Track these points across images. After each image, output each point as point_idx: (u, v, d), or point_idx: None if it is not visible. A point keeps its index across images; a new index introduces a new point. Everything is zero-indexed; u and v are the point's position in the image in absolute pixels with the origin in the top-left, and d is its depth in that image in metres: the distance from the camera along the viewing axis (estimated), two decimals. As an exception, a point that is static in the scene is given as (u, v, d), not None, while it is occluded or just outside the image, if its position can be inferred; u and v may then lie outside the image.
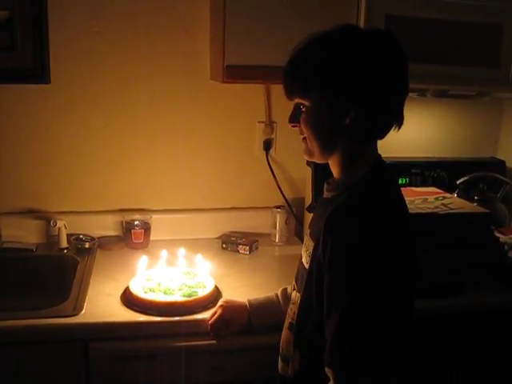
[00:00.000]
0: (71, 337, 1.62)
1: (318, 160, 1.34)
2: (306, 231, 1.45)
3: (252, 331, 1.63)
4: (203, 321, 1.65)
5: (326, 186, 1.38)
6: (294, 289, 1.44)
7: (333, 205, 1.24)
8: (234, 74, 1.90)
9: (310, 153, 1.32)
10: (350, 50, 1.21)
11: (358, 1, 1.96)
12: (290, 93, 1.29)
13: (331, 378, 1.16)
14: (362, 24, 1.95)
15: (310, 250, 1.31)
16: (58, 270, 2.10)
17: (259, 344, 1.64)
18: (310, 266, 1.30)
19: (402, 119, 1.29)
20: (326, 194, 1.37)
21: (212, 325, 1.62)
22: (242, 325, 1.64)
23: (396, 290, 1.17)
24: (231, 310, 1.66)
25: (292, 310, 1.42)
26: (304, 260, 1.37)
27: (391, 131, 1.30)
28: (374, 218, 1.18)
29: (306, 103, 1.26)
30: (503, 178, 2.53)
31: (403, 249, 1.22)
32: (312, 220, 1.47)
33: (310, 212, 2.17)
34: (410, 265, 1.24)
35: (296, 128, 1.32)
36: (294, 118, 1.31)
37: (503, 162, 2.68)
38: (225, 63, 1.88)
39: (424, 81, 2.08)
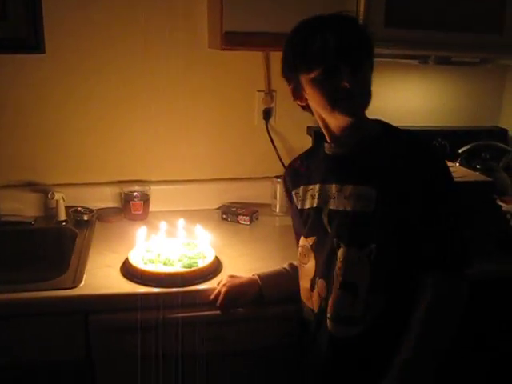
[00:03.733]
0: (71, 309, 1.61)
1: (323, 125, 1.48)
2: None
3: (261, 305, 1.62)
4: (203, 291, 1.64)
5: (329, 145, 1.50)
6: (336, 246, 1.42)
7: (370, 151, 1.42)
8: (233, 40, 1.86)
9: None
10: (347, 29, 1.37)
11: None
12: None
13: (437, 279, 1.35)
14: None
15: (356, 192, 1.40)
16: (57, 243, 2.09)
17: (260, 314, 1.64)
18: (377, 206, 1.37)
19: None
20: (332, 151, 1.49)
21: (220, 303, 1.60)
22: (252, 298, 1.63)
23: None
24: (237, 286, 1.64)
25: (338, 267, 1.40)
26: (341, 206, 1.42)
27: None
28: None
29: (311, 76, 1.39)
30: (506, 147, 2.50)
31: None
32: (329, 168, 1.50)
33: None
34: None
35: (303, 103, 1.48)
36: (297, 93, 1.48)
37: (506, 131, 2.65)
38: (223, 30, 1.84)
39: (426, 47, 2.06)
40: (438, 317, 1.35)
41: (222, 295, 1.61)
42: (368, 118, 1.45)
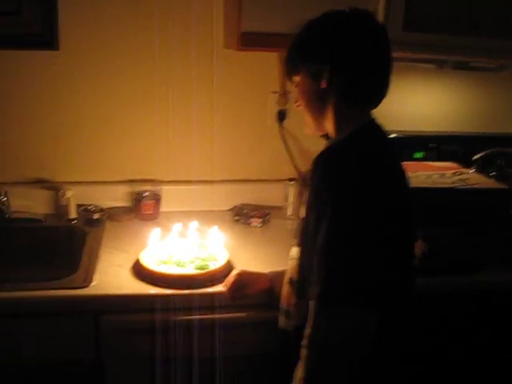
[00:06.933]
0: (82, 309, 1.60)
1: (316, 130, 1.46)
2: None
3: (271, 302, 1.60)
4: (216, 294, 1.63)
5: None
6: (294, 244, 1.48)
7: None
8: (250, 41, 1.85)
9: (308, 125, 1.46)
10: (320, 26, 1.37)
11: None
12: (288, 76, 1.47)
13: (312, 308, 1.24)
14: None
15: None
16: (67, 241, 2.07)
17: (273, 318, 1.61)
18: (306, 212, 1.36)
19: (383, 87, 1.37)
20: None
21: (229, 288, 1.62)
22: (262, 290, 1.64)
23: (369, 231, 1.23)
24: (249, 274, 1.67)
25: (290, 265, 1.48)
26: (302, 212, 1.41)
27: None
28: (345, 166, 1.27)
29: (298, 79, 1.42)
30: (521, 154, 2.47)
31: (378, 200, 1.25)
32: None
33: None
34: (392, 217, 1.27)
35: (299, 108, 1.46)
36: (296, 98, 1.46)
37: (520, 138, 2.61)
38: (241, 30, 1.82)
39: (444, 51, 2.04)
40: (316, 348, 1.24)
41: (232, 278, 1.64)
42: (348, 124, 1.35)
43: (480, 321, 1.85)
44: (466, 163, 2.31)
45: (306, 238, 1.34)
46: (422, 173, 2.01)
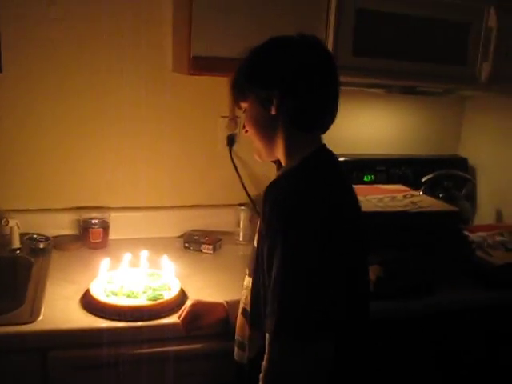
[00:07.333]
0: (28, 346, 1.50)
1: (266, 157, 1.44)
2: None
3: (227, 332, 1.55)
4: (170, 325, 1.58)
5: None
6: (247, 274, 1.46)
7: None
8: (201, 65, 1.82)
9: (258, 152, 1.45)
10: (269, 51, 1.36)
11: (328, -6, 1.92)
12: (235, 101, 1.46)
13: (267, 341, 1.20)
14: (332, 17, 1.91)
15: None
16: (11, 273, 1.97)
17: (228, 349, 1.57)
18: (258, 243, 1.34)
19: (332, 112, 1.36)
20: None
21: (183, 319, 1.57)
22: (218, 321, 1.59)
23: (321, 262, 1.20)
24: (203, 305, 1.62)
25: (244, 295, 1.44)
26: (255, 241, 1.39)
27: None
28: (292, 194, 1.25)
29: (246, 105, 1.40)
30: (467, 176, 2.53)
31: (320, 227, 1.22)
32: None
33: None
34: (344, 246, 1.26)
35: (247, 134, 1.44)
36: (244, 124, 1.44)
37: (465, 160, 2.69)
38: (191, 54, 1.79)
39: (392, 76, 2.07)
40: (272, 382, 1.21)
41: (186, 309, 1.59)
42: (298, 151, 1.34)
43: (434, 343, 1.85)
44: (414, 185, 2.35)
45: (259, 268, 1.31)
46: (373, 196, 2.02)
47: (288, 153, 1.36)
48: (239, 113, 2.27)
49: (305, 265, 1.19)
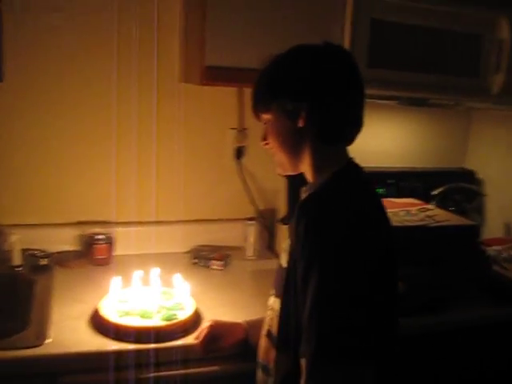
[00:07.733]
0: (36, 371, 1.41)
1: (291, 171, 1.38)
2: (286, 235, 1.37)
3: (246, 353, 1.49)
4: (187, 346, 1.50)
5: (302, 190, 1.39)
6: (272, 294, 1.39)
7: None
8: (214, 75, 1.76)
9: (282, 166, 1.39)
10: (295, 61, 1.30)
11: (343, 5, 1.89)
12: (255, 113, 1.39)
13: (304, 369, 1.14)
14: (347, 28, 1.88)
15: (287, 246, 1.30)
16: (12, 291, 1.88)
17: (248, 370, 1.49)
18: (288, 263, 1.28)
19: (359, 123, 1.33)
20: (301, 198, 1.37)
21: (202, 340, 1.50)
22: (237, 342, 1.53)
23: (363, 286, 1.15)
24: (222, 325, 1.55)
25: (269, 317, 1.38)
26: (283, 261, 1.33)
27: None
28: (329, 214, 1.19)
29: (269, 117, 1.34)
30: (477, 190, 2.50)
31: (360, 246, 1.17)
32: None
33: (284, 224, 2.05)
34: (380, 269, 1.20)
35: (268, 146, 1.38)
36: (264, 136, 1.38)
37: (472, 172, 2.66)
38: (205, 64, 1.74)
39: (405, 88, 2.03)
40: None
41: (205, 330, 1.52)
42: (326, 164, 1.29)
43: (450, 360, 1.81)
44: (425, 199, 2.31)
45: (290, 290, 1.25)
46: (388, 210, 1.97)
47: (316, 167, 1.31)
48: (248, 124, 2.22)
49: (347, 290, 1.13)
